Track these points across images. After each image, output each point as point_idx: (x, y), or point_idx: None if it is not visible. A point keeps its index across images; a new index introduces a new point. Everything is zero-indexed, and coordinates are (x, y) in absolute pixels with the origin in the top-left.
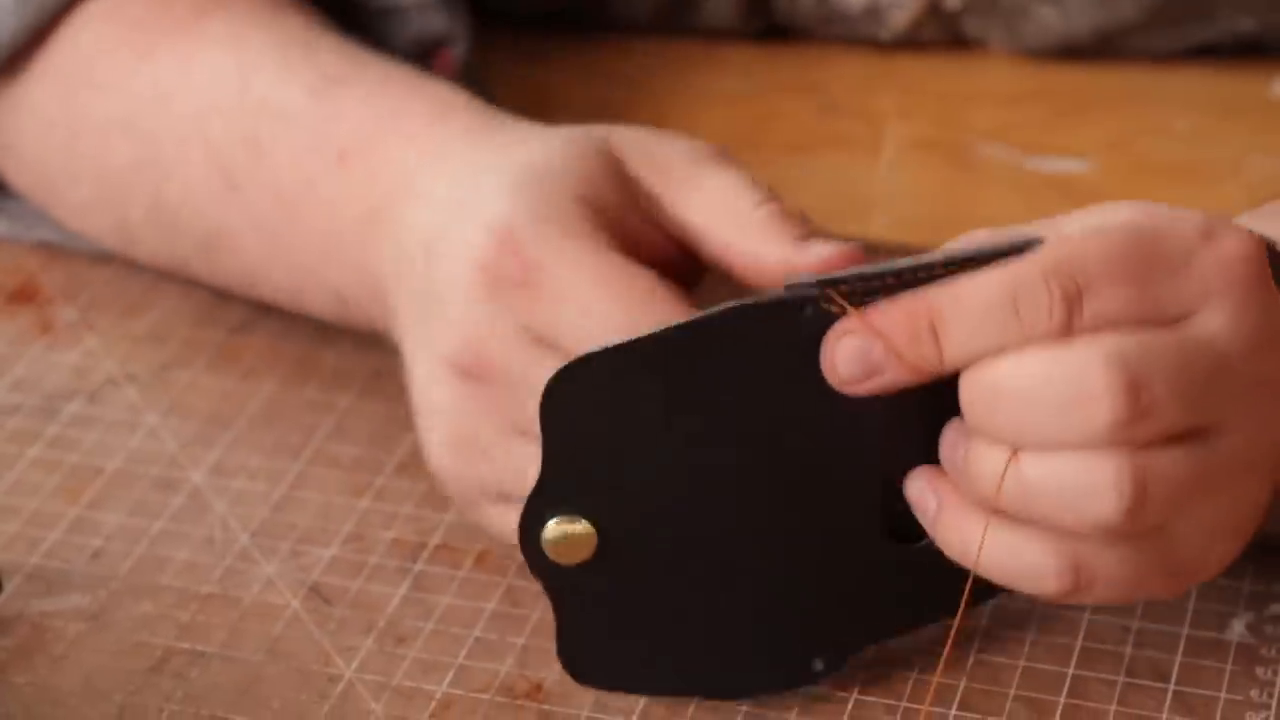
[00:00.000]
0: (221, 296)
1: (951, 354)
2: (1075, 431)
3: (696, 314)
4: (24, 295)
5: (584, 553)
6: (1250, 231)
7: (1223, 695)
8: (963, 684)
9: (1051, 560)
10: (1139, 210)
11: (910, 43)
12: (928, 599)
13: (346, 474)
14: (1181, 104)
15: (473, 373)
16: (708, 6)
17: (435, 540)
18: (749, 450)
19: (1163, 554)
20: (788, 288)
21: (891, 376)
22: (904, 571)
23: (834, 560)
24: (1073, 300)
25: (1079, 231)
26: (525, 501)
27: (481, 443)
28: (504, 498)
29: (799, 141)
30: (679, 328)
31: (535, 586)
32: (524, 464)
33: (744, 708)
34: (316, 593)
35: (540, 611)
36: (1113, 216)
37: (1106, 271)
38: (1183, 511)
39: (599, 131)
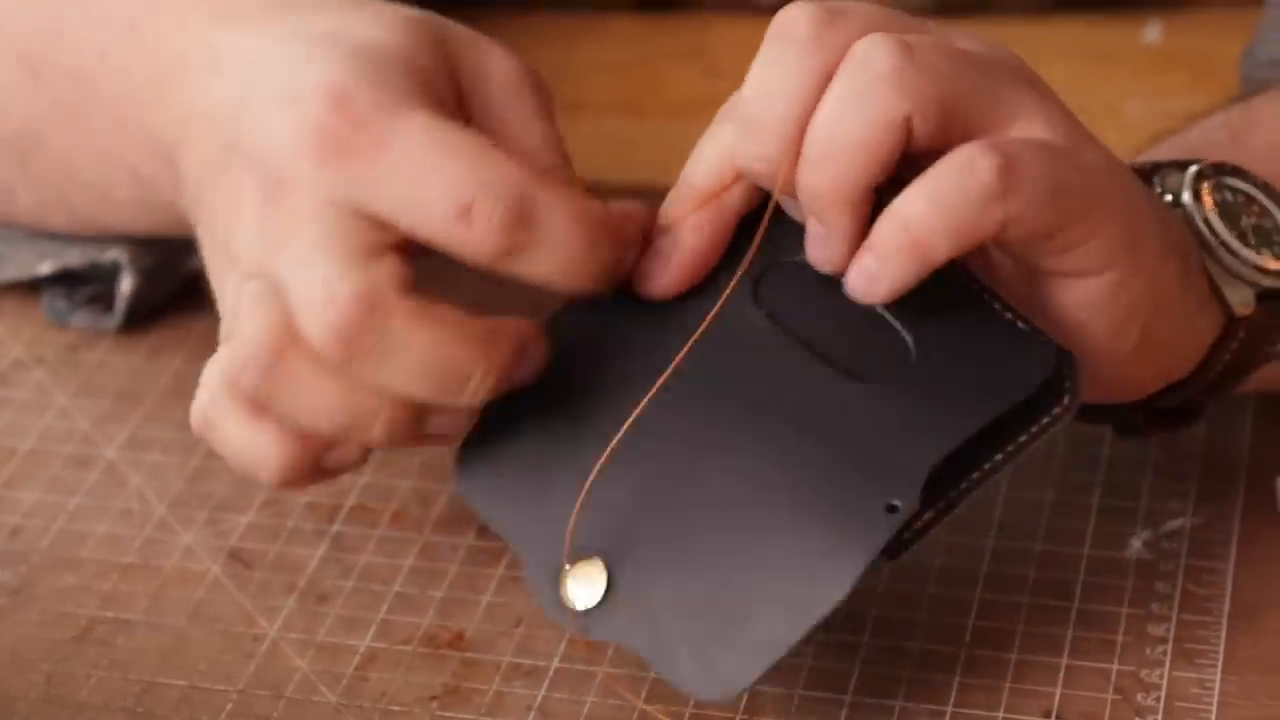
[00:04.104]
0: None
1: None
2: None
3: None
4: None
5: None
6: None
7: (1125, 610)
8: (874, 611)
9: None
10: None
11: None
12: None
13: None
14: (1056, 54)
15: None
16: None
17: (351, 501)
18: (675, 404)
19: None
20: None
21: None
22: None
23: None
24: None
25: None
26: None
27: None
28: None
29: (684, 106)
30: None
31: (451, 541)
32: None
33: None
34: (236, 558)
35: (458, 565)
36: None
37: None
38: None
39: (435, 21)
